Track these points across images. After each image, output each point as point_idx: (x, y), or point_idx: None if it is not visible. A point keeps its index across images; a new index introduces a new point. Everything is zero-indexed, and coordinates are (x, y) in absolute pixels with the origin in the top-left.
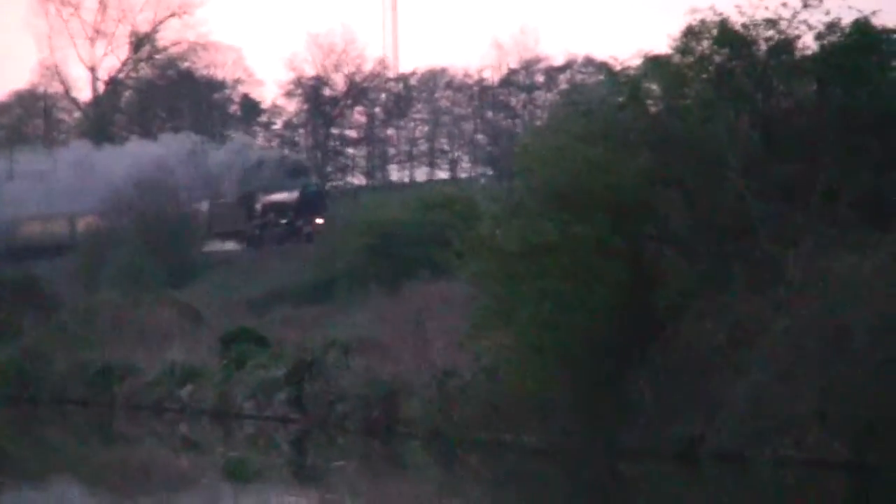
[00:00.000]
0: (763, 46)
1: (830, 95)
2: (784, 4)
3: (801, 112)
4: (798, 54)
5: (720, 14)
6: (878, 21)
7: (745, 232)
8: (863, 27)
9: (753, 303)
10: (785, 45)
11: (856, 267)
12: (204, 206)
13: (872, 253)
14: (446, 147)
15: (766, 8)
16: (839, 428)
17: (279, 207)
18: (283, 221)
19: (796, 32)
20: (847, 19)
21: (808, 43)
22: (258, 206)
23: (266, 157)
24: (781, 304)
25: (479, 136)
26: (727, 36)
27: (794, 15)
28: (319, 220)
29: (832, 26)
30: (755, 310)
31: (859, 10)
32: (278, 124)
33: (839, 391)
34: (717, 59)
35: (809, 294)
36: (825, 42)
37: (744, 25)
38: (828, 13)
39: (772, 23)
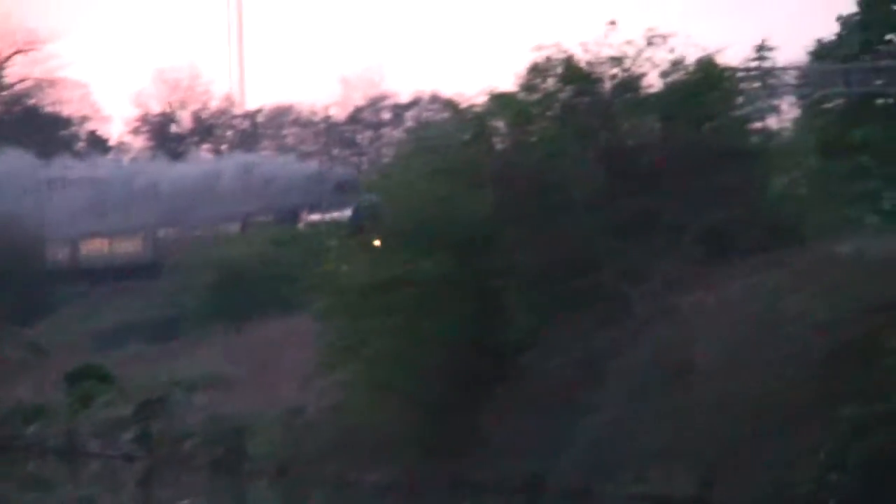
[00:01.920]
0: (608, 84)
1: (675, 132)
2: (629, 42)
3: (646, 148)
4: (643, 91)
5: (565, 51)
6: (722, 59)
7: (591, 267)
8: (707, 65)
9: (600, 338)
10: (630, 83)
11: (701, 302)
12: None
13: (717, 288)
14: None
15: (611, 45)
16: (684, 463)
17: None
18: None
19: (641, 70)
20: (692, 57)
21: (653, 80)
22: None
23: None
24: (628, 340)
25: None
26: (572, 73)
27: (639, 52)
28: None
29: (676, 64)
30: (602, 345)
31: (703, 48)
32: (125, 161)
33: (685, 426)
34: (563, 96)
35: (656, 329)
36: (670, 79)
37: (589, 63)
38: (672, 51)
39: (617, 60)
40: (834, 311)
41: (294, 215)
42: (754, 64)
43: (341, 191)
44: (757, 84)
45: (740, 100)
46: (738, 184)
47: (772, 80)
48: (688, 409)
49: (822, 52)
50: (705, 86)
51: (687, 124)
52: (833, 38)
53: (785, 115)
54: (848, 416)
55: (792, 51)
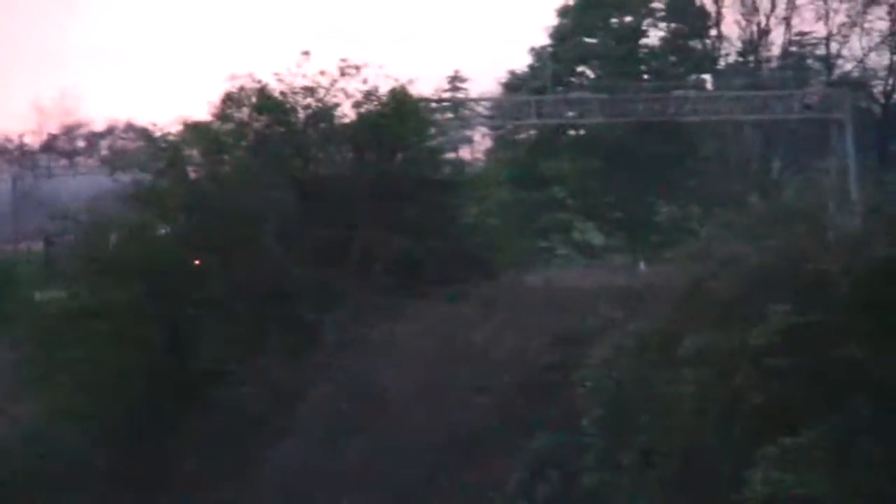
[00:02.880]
0: (301, 114)
1: (367, 162)
2: (322, 73)
3: (338, 178)
4: (336, 122)
5: (259, 81)
6: (415, 89)
7: (284, 297)
8: (399, 95)
9: (292, 367)
10: (323, 113)
11: (392, 332)
12: None
13: (408, 318)
14: None
15: (305, 76)
16: (376, 492)
17: None
18: None
19: (335, 100)
20: (385, 88)
21: (347, 111)
22: None
23: None
24: (320, 369)
25: None
26: (266, 103)
27: (333, 83)
28: None
29: (369, 94)
30: (293, 374)
31: (396, 79)
32: None
33: (377, 455)
34: (256, 125)
35: (347, 358)
36: (362, 110)
37: (282, 93)
38: (366, 81)
39: (310, 90)
40: (523, 342)
41: None
42: (447, 95)
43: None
44: (450, 115)
45: (433, 130)
46: (431, 214)
47: (464, 111)
48: (380, 438)
49: (515, 83)
50: (397, 116)
51: (379, 154)
52: (526, 69)
53: (478, 145)
54: (536, 445)
55: (485, 82)
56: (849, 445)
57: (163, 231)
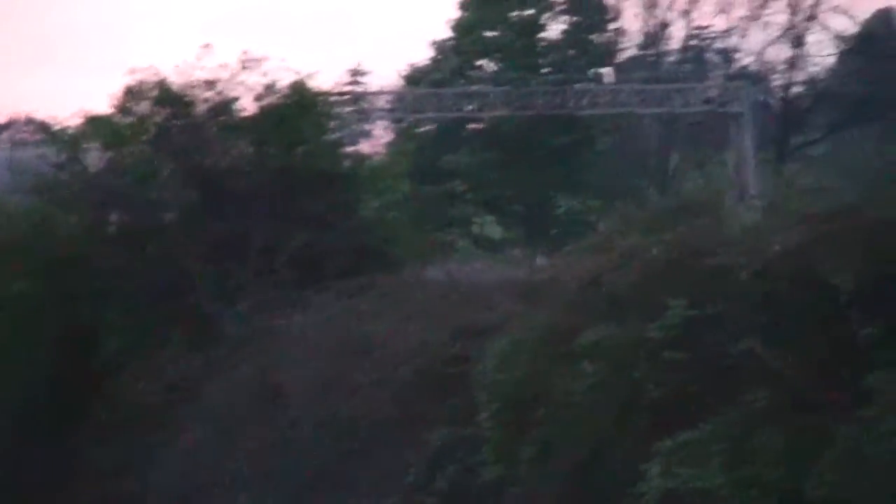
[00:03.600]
0: (201, 107)
1: (267, 155)
2: (223, 66)
3: (239, 171)
4: (236, 115)
5: (159, 74)
6: (315, 83)
7: (185, 290)
8: (299, 89)
9: (191, 361)
10: (223, 106)
11: (292, 325)
12: None
13: (308, 311)
14: None
15: (205, 69)
16: (275, 485)
17: None
18: None
19: (235, 93)
20: (285, 81)
21: (247, 104)
22: None
23: None
24: (219, 363)
25: None
26: (166, 96)
27: (233, 76)
28: None
29: (270, 88)
30: (193, 368)
31: (296, 72)
32: None
33: (277, 448)
34: (157, 119)
35: (247, 352)
36: (263, 103)
37: (182, 86)
38: (266, 75)
39: (210, 84)
40: (424, 335)
41: None
42: (348, 88)
43: None
44: (350, 108)
45: (333, 124)
46: (330, 208)
47: (365, 104)
48: (278, 431)
49: (416, 76)
50: (297, 110)
51: (279, 148)
52: (427, 62)
53: (379, 139)
54: (435, 438)
55: (387, 75)
56: (745, 438)
57: (63, 224)
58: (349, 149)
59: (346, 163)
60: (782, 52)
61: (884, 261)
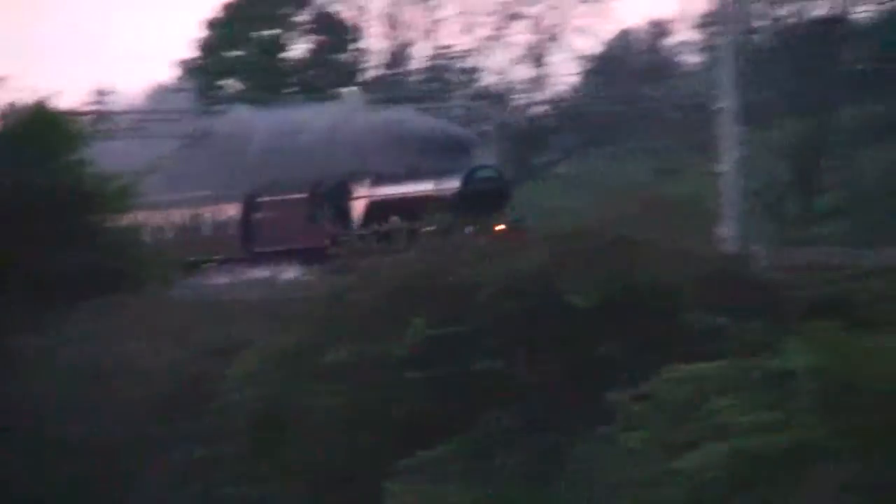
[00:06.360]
0: None
1: (8, 176)
2: None
3: None
4: None
5: None
6: (61, 102)
7: None
8: (42, 108)
9: None
10: None
11: (36, 347)
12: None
13: (52, 333)
14: None
15: None
16: None
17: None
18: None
19: None
20: (28, 101)
21: None
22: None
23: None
24: None
25: None
26: None
27: None
28: (500, 226)
29: (12, 107)
30: None
31: (39, 92)
32: None
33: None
34: None
35: None
36: (6, 122)
37: None
38: (8, 95)
39: None
40: (171, 354)
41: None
42: (93, 107)
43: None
44: (97, 127)
45: (77, 143)
46: (75, 227)
47: (110, 124)
48: (23, 453)
49: (163, 96)
50: (40, 129)
51: (21, 168)
52: (173, 82)
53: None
54: (179, 458)
55: (133, 95)
56: (485, 457)
57: None
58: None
59: (91, 182)
60: (525, 71)
61: (621, 280)
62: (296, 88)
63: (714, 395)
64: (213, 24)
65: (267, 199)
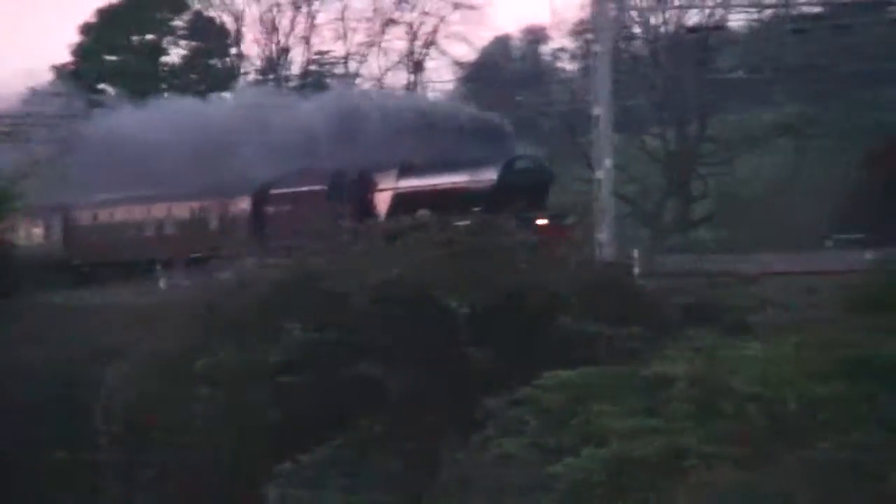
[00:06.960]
0: None
1: None
2: None
3: None
4: None
5: None
6: None
7: None
8: None
9: None
10: None
11: None
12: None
13: None
14: None
15: None
16: None
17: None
18: None
19: None
20: None
21: None
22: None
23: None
24: None
25: None
26: None
27: None
28: (543, 221)
29: None
30: None
31: None
32: None
33: None
34: None
35: None
36: None
37: None
38: None
39: None
40: (50, 359)
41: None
42: None
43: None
44: None
45: None
46: None
47: None
48: None
49: (36, 100)
50: None
51: None
52: (48, 87)
53: None
54: (54, 464)
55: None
56: (361, 461)
57: None
58: None
59: None
60: (401, 77)
61: (496, 285)
62: (173, 93)
63: (591, 400)
64: (89, 29)
65: (279, 191)
